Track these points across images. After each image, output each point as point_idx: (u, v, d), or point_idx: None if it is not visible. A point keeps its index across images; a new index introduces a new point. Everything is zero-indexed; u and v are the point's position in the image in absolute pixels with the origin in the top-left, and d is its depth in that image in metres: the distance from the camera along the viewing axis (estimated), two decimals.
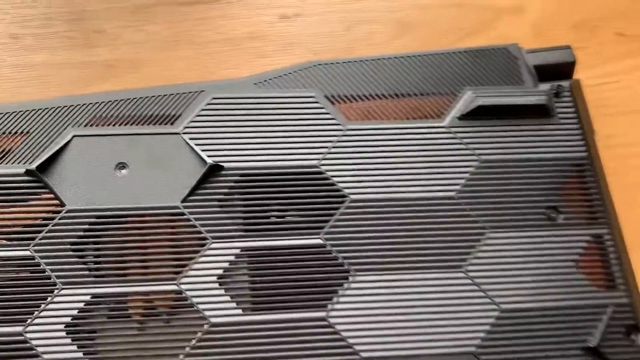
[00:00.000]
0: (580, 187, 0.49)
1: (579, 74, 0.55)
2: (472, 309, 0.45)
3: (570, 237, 0.48)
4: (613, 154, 0.57)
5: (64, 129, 0.48)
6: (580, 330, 0.46)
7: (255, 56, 0.58)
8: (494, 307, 0.46)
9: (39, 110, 0.49)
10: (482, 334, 0.45)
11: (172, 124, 0.49)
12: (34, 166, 0.46)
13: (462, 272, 0.46)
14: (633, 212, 0.55)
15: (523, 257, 0.47)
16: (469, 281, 0.46)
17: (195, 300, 0.44)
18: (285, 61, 0.56)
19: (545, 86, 0.52)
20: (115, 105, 0.49)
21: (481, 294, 0.46)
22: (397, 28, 0.61)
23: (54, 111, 0.49)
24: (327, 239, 0.46)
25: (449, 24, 0.61)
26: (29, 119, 0.48)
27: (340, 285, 0.46)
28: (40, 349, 0.43)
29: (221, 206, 0.47)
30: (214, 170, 0.47)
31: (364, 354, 0.44)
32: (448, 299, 0.46)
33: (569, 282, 0.47)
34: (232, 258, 0.46)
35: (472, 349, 0.44)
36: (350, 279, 0.46)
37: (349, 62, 0.52)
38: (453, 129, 0.50)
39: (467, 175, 0.49)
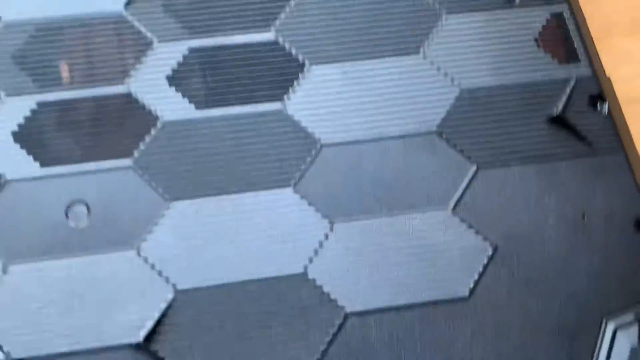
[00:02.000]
0: None
1: None
2: (432, 91, 0.44)
3: (528, 17, 0.46)
4: None
5: None
6: (543, 104, 0.45)
7: None
8: (454, 87, 0.44)
9: None
10: (443, 114, 0.44)
11: None
12: None
13: (420, 56, 0.45)
14: (598, 6, 0.54)
15: (482, 38, 0.46)
16: (427, 64, 0.45)
17: (145, 101, 0.43)
18: None
19: None
20: None
21: (440, 76, 0.45)
22: None
23: None
24: (279, 33, 0.45)
25: None
26: None
27: (296, 77, 0.44)
28: None
29: (165, 6, 0.45)
30: None
31: (324, 141, 0.43)
32: (407, 84, 0.44)
33: (530, 59, 0.45)
34: (180, 58, 0.44)
35: (434, 128, 0.44)
36: (306, 70, 0.44)
37: None
38: None
39: None
